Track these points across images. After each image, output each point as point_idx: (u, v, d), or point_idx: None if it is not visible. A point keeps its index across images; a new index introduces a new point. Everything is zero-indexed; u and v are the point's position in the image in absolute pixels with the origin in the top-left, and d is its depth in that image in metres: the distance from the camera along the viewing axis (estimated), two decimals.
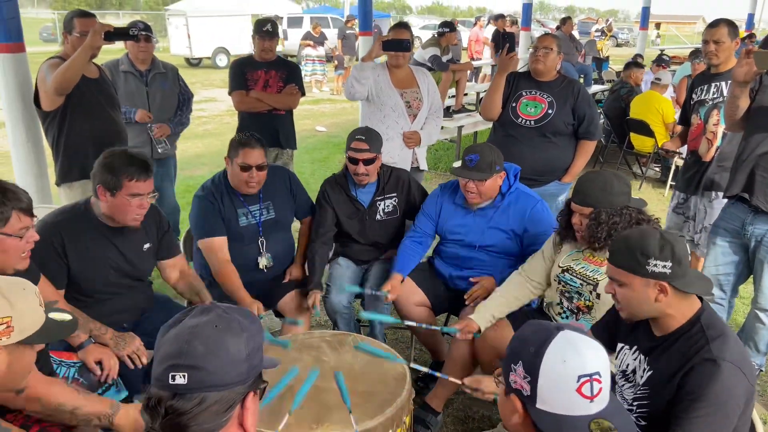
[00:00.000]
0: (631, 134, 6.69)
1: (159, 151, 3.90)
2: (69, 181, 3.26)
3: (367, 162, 2.85)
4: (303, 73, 13.76)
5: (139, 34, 3.68)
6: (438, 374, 2.33)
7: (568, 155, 3.46)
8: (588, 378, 1.11)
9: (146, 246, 2.48)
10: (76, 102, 3.13)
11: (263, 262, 2.85)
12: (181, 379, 1.01)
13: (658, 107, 6.30)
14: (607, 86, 9.37)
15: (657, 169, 7.03)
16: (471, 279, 2.79)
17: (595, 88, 9.31)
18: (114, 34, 3.03)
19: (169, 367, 1.02)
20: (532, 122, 3.39)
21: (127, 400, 2.35)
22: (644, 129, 6.38)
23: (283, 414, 1.82)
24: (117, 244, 2.37)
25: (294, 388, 1.95)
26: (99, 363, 2.18)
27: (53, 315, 1.43)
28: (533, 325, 1.23)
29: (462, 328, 2.45)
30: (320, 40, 13.91)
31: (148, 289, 2.62)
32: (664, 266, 1.61)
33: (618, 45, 30.82)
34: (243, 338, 1.07)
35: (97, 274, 2.34)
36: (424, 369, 2.29)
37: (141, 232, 2.44)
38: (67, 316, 1.48)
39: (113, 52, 3.92)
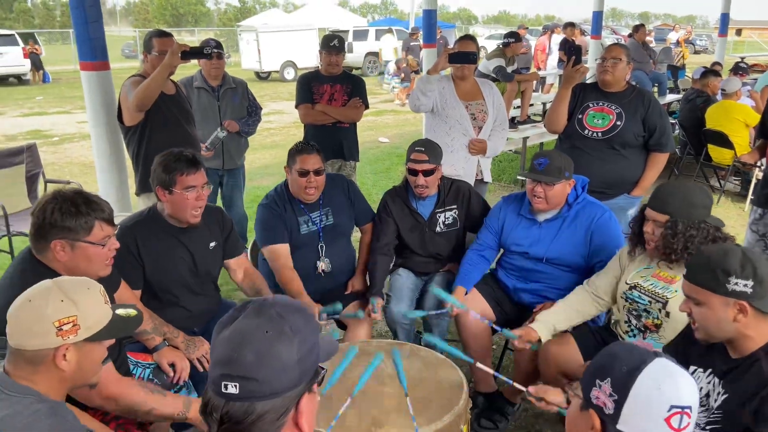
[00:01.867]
0: (709, 146, 6.38)
1: (219, 135, 3.93)
2: (147, 191, 3.44)
3: (427, 173, 2.87)
4: (392, 85, 14.11)
5: (212, 52, 3.85)
6: (503, 377, 2.30)
7: (638, 168, 3.34)
8: (680, 410, 1.07)
9: (212, 244, 2.59)
10: (155, 117, 3.31)
11: (321, 266, 2.91)
12: (233, 389, 1.02)
13: (736, 115, 6.00)
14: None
15: (737, 182, 6.68)
16: (535, 310, 2.72)
17: (669, 97, 8.97)
18: (190, 54, 3.20)
19: (221, 375, 1.03)
20: (600, 134, 3.30)
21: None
22: (722, 140, 6.07)
23: (344, 399, 1.86)
24: (185, 243, 2.49)
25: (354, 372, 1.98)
26: (172, 365, 2.29)
27: (119, 311, 1.50)
28: (626, 346, 1.20)
29: (521, 335, 2.41)
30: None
31: (216, 295, 2.72)
32: (745, 285, 1.53)
33: (696, 52, 29.53)
34: (294, 343, 1.05)
35: (170, 273, 2.47)
36: (490, 370, 2.27)
37: (206, 231, 2.55)
38: (133, 311, 1.54)
39: (187, 68, 4.13)
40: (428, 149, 2.88)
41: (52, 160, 8.45)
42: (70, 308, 1.36)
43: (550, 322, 2.43)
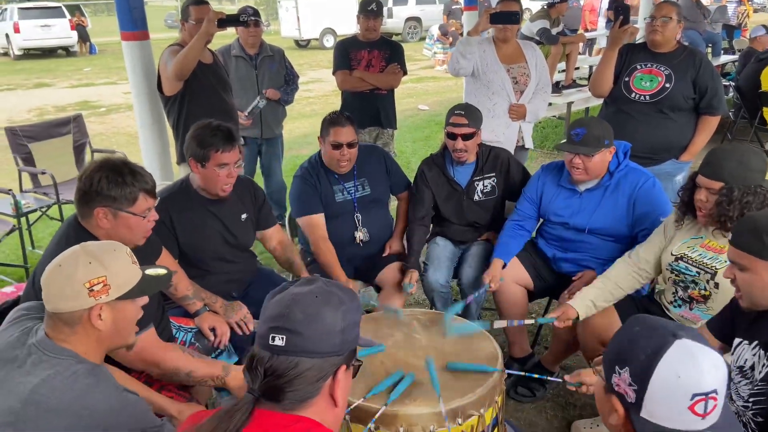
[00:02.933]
0: (764, 109, 6.07)
1: (259, 104, 4.00)
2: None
3: (466, 137, 2.81)
4: (433, 51, 13.86)
5: (248, 20, 3.84)
6: (537, 375, 2.28)
7: (687, 132, 3.19)
8: (704, 397, 1.02)
9: (243, 216, 2.61)
10: (193, 86, 3.34)
11: (359, 235, 2.91)
12: (279, 340, 1.07)
13: None
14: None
15: None
16: (574, 278, 2.66)
17: (724, 58, 8.52)
18: (226, 21, 3.19)
19: (270, 328, 1.09)
20: (647, 97, 3.16)
21: (237, 363, 2.52)
22: None
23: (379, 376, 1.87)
24: (216, 214, 2.52)
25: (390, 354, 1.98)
26: (212, 329, 2.34)
27: (149, 271, 1.54)
28: (645, 326, 1.12)
29: (560, 316, 2.36)
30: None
31: (252, 261, 2.76)
32: None
33: (755, 11, 27.87)
34: (340, 311, 1.11)
35: (204, 244, 2.51)
36: (520, 373, 2.23)
37: (237, 203, 2.57)
38: (162, 270, 1.58)
39: (226, 37, 4.15)
40: (468, 113, 2.81)
41: (99, 131, 8.68)
42: (99, 269, 1.39)
43: (589, 298, 2.36)
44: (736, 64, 7.73)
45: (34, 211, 4.26)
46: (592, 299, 2.36)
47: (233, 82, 3.80)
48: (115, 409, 1.33)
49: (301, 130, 8.35)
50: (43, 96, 11.81)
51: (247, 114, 3.97)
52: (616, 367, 1.10)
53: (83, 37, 19.07)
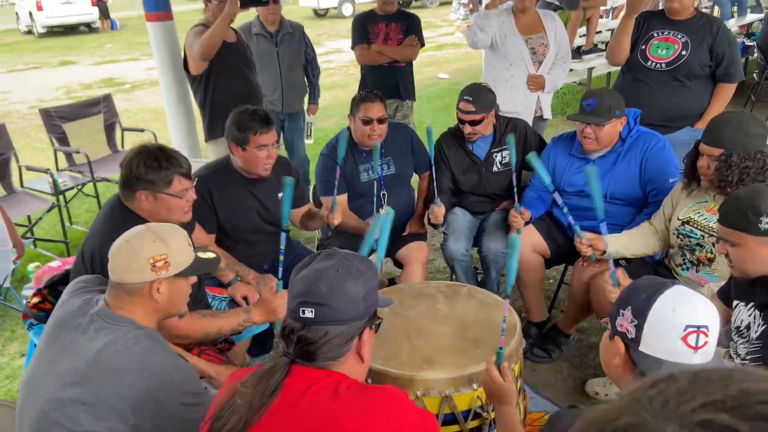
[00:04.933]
0: None
1: (311, 137, 4.46)
2: (215, 137, 3.63)
3: (473, 123, 2.89)
4: (457, 16, 13.68)
5: None
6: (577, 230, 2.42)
7: (703, 100, 3.22)
8: (696, 329, 1.14)
9: (280, 195, 2.74)
10: (219, 66, 3.46)
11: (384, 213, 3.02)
12: (309, 313, 1.21)
13: None
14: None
15: None
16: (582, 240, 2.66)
17: (750, 17, 8.30)
18: (249, 1, 3.29)
19: (300, 303, 1.23)
20: (663, 65, 3.18)
21: (269, 332, 2.69)
22: None
23: (402, 344, 1.97)
24: (255, 193, 2.66)
25: (410, 320, 2.09)
26: (245, 298, 2.50)
27: (200, 254, 1.70)
28: (647, 278, 1.29)
29: (590, 238, 2.44)
30: None
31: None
32: None
33: None
34: (360, 281, 1.25)
35: (242, 220, 2.66)
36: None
37: (275, 182, 2.70)
38: (212, 254, 1.76)
39: (247, 14, 4.23)
40: (476, 98, 2.86)
41: (125, 107, 8.87)
42: (162, 247, 1.56)
43: (619, 241, 2.46)
44: (762, 22, 7.55)
45: (71, 188, 4.46)
46: (621, 242, 2.47)
47: (255, 59, 3.90)
48: (170, 370, 1.49)
49: (322, 103, 8.37)
50: (69, 74, 12.02)
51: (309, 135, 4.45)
52: (620, 310, 1.24)
53: (104, 12, 19.17)
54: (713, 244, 2.23)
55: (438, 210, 2.83)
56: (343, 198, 2.97)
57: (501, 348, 1.64)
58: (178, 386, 1.48)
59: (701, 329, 1.15)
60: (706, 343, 1.15)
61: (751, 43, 7.09)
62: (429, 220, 2.98)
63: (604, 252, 2.43)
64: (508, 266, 1.57)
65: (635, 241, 2.48)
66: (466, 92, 2.91)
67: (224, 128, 2.57)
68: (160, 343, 1.55)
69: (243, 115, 2.51)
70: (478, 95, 2.88)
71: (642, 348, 1.19)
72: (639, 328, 1.19)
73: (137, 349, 1.47)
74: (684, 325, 1.15)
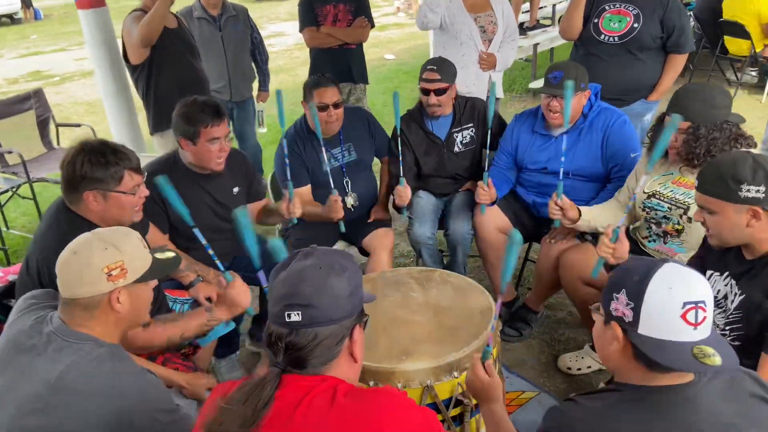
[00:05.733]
0: (725, 37, 6.16)
1: (260, 115, 4.34)
2: (161, 130, 3.44)
3: (439, 92, 2.83)
4: None
5: None
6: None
7: (655, 71, 3.25)
8: (693, 305, 1.12)
9: (235, 190, 2.62)
10: (161, 53, 3.26)
11: (350, 201, 2.94)
12: (296, 316, 1.13)
13: (752, 6, 5.75)
14: None
15: (753, 73, 6.49)
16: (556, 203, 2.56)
17: None
18: None
19: (284, 306, 1.14)
20: (616, 38, 3.20)
21: (234, 331, 2.58)
22: (739, 30, 5.86)
23: (378, 336, 1.92)
24: (208, 190, 2.52)
25: (386, 311, 2.02)
26: (209, 299, 2.37)
27: (158, 255, 1.58)
28: (636, 259, 1.25)
29: (566, 203, 2.37)
30: None
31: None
32: (757, 191, 1.57)
33: None
34: (345, 277, 1.18)
35: (195, 219, 2.51)
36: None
37: (229, 177, 2.57)
38: (170, 254, 1.63)
39: None
40: (440, 68, 2.82)
41: (56, 101, 8.38)
42: (116, 254, 1.42)
43: (588, 214, 2.45)
44: None
45: (6, 191, 4.18)
46: (592, 213, 2.45)
47: (198, 45, 3.71)
48: (141, 389, 1.38)
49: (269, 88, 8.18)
50: None
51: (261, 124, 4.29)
52: (613, 294, 1.20)
53: (26, 2, 18.11)
54: (680, 216, 2.25)
55: (403, 189, 2.74)
56: (306, 189, 2.87)
57: (488, 346, 1.59)
58: (152, 404, 1.38)
59: (699, 305, 1.12)
60: (704, 318, 1.13)
61: (689, 13, 7.29)
62: (393, 203, 2.91)
63: (574, 221, 2.42)
64: (505, 262, 1.48)
65: (605, 213, 2.48)
66: (430, 63, 2.87)
67: (171, 120, 2.40)
68: (127, 359, 1.43)
69: (192, 107, 2.35)
70: (442, 65, 2.84)
71: (641, 330, 1.15)
72: (636, 311, 1.15)
73: (104, 369, 1.35)
74: (682, 302, 1.12)
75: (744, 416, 1.15)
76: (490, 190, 2.73)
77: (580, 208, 2.42)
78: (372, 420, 1.09)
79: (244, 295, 1.94)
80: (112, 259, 1.41)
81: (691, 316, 1.12)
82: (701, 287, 1.14)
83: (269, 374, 1.13)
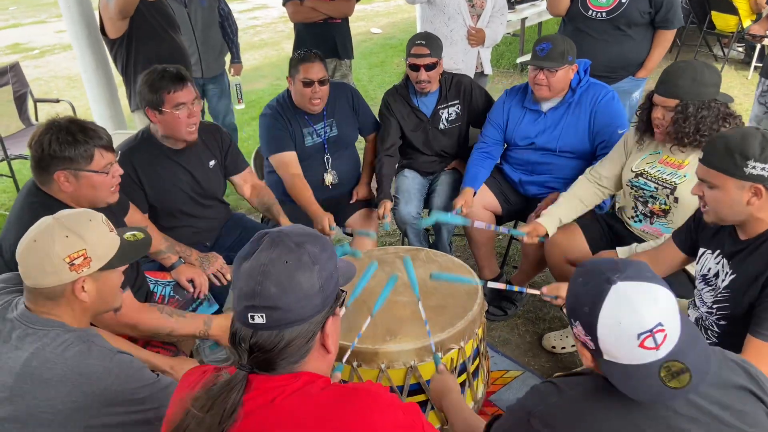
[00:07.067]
0: (713, 12, 6.13)
1: (237, 87, 4.22)
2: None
3: (429, 67, 2.78)
4: None
5: None
6: (518, 288, 2.28)
7: (643, 48, 3.22)
8: (649, 333, 1.07)
9: (211, 163, 2.56)
10: (140, 26, 3.15)
11: (329, 178, 2.90)
12: (260, 318, 1.04)
13: None
14: None
15: (740, 49, 6.49)
16: (539, 205, 2.69)
17: None
18: None
19: (246, 307, 1.05)
20: (604, 14, 3.15)
21: (219, 311, 2.56)
22: (727, 6, 5.84)
23: (364, 318, 1.89)
24: (183, 164, 2.46)
25: (372, 291, 2.00)
26: (191, 281, 2.34)
27: (127, 235, 1.51)
28: (585, 275, 1.16)
29: (530, 232, 2.44)
30: None
31: (223, 209, 2.72)
32: (763, 168, 1.53)
33: None
34: (315, 271, 1.07)
35: (173, 196, 2.46)
36: (501, 286, 2.22)
37: (203, 150, 2.52)
38: (140, 233, 1.55)
39: None
40: (429, 42, 2.77)
41: (36, 75, 8.20)
42: (77, 242, 1.36)
43: (556, 215, 2.46)
44: None
45: None
46: (559, 216, 2.46)
47: None
48: (111, 371, 1.34)
49: (250, 63, 8.03)
50: None
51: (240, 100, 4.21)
52: (572, 320, 1.16)
53: None
54: (667, 196, 2.24)
55: (386, 205, 2.79)
56: (293, 156, 2.81)
57: (437, 353, 1.68)
58: (123, 384, 1.34)
59: (655, 330, 1.07)
60: (665, 337, 1.08)
61: None
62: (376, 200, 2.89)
63: (547, 234, 2.44)
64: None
65: (572, 203, 2.47)
66: (418, 38, 2.82)
67: None
68: (95, 342, 1.37)
69: (152, 74, 2.29)
70: (430, 39, 2.79)
71: (606, 357, 1.12)
72: (595, 342, 1.11)
73: (69, 355, 1.31)
74: (636, 334, 1.07)
75: (727, 408, 1.13)
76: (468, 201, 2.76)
77: (543, 219, 2.44)
78: (351, 423, 1.02)
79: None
80: (73, 248, 1.35)
81: (649, 343, 1.07)
82: (654, 311, 1.08)
83: (235, 377, 1.04)
